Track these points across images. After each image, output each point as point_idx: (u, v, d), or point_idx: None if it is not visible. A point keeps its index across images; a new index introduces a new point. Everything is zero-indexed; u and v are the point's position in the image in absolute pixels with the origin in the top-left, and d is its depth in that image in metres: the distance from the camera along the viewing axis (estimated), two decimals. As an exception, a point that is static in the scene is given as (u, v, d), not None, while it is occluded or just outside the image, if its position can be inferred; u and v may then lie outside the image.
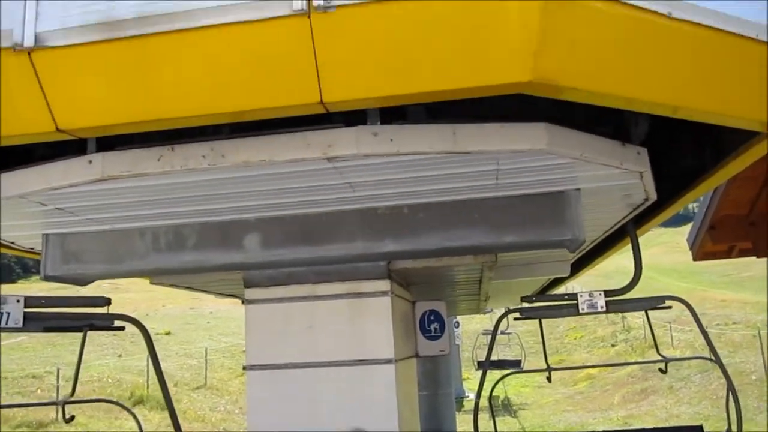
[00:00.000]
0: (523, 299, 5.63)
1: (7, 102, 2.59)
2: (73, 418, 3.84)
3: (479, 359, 19.60)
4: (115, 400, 3.92)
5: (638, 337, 27.10)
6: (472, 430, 6.34)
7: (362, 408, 4.12)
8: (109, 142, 2.98)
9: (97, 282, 4.41)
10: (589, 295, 5.02)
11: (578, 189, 3.54)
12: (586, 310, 5.01)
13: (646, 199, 3.79)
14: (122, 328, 3.28)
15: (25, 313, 3.30)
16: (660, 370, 6.78)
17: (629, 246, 5.09)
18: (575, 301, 5.02)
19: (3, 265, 69.85)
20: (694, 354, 21.63)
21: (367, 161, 2.87)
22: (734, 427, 5.45)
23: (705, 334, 5.70)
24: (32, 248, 4.64)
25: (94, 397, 17.63)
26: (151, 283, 5.06)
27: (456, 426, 14.20)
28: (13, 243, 4.47)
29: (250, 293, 4.34)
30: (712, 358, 5.63)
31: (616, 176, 3.26)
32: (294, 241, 3.80)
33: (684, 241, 8.67)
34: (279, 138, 2.79)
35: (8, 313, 2.99)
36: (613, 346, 28.27)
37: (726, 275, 40.22)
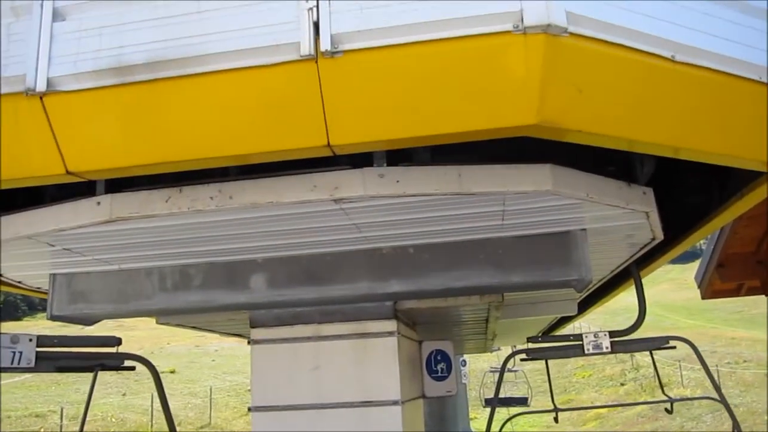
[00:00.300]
0: (529, 340, 5.67)
1: (19, 144, 2.63)
2: None
3: (486, 397, 19.59)
4: None
5: (647, 376, 26.75)
6: None
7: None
8: (117, 184, 3.02)
9: (103, 321, 4.40)
10: (594, 336, 5.07)
11: (584, 229, 3.54)
12: (591, 351, 5.05)
13: (653, 239, 3.78)
14: (133, 368, 3.26)
15: (37, 352, 3.27)
16: (666, 410, 6.80)
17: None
18: (580, 342, 5.07)
19: (8, 303, 69.81)
20: (703, 393, 21.33)
21: (373, 202, 2.88)
22: None
23: (709, 373, 5.71)
24: (39, 288, 4.65)
25: (97, 436, 17.47)
26: (158, 322, 5.05)
27: (463, 467, 13.98)
28: (20, 282, 4.49)
29: (256, 333, 4.32)
30: (719, 398, 5.60)
31: (622, 216, 3.27)
32: (300, 281, 3.80)
33: (692, 278, 8.63)
34: (286, 180, 2.81)
35: (20, 353, 2.97)
36: (622, 385, 27.90)
37: (736, 312, 39.81)
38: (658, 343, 5.39)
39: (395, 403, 4.06)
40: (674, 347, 5.42)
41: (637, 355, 29.42)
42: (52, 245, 3.47)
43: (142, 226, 3.16)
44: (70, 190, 3.15)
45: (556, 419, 6.59)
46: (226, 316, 4.82)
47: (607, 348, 5.06)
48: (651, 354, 5.98)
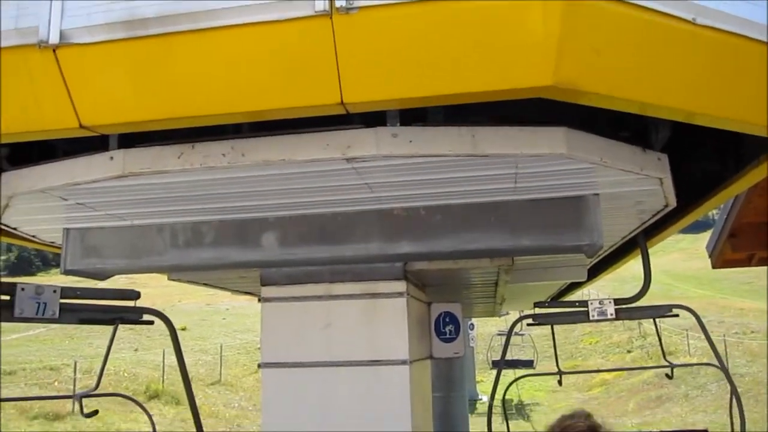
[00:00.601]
0: (536, 305, 5.74)
1: (32, 97, 2.63)
2: (96, 412, 3.85)
3: (494, 359, 19.90)
4: (129, 395, 3.93)
5: (654, 344, 26.85)
6: (486, 429, 6.41)
7: (376, 408, 4.13)
8: (130, 140, 3.02)
9: (115, 277, 4.45)
10: (600, 303, 5.17)
11: (597, 194, 3.52)
12: (596, 318, 5.15)
13: (666, 206, 3.76)
14: (151, 323, 3.29)
15: (60, 304, 3.28)
16: (667, 375, 7.08)
17: None
18: (586, 308, 5.16)
19: (23, 258, 70.73)
20: (711, 361, 21.41)
21: (385, 162, 2.87)
22: None
23: (710, 341, 5.90)
24: (53, 242, 4.69)
25: (110, 391, 17.81)
26: (169, 279, 5.10)
27: (469, 428, 14.16)
28: (34, 236, 4.53)
29: (267, 291, 4.36)
30: (719, 365, 5.85)
31: (636, 182, 3.24)
32: (311, 241, 3.81)
33: (704, 248, 8.59)
34: (299, 138, 2.80)
35: (45, 304, 2.98)
36: (628, 352, 28.05)
37: (746, 283, 39.71)
38: (662, 311, 5.53)
39: (404, 362, 4.10)
40: (677, 315, 5.56)
41: (645, 324, 29.52)
42: (66, 199, 3.50)
43: (154, 182, 3.17)
44: (83, 146, 3.16)
45: (560, 382, 6.70)
46: (237, 273, 4.86)
47: (611, 315, 5.16)
48: (655, 322, 6.10)
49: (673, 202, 3.60)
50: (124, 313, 3.26)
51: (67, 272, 4.31)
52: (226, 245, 3.93)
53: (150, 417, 4.33)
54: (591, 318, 5.22)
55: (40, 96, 2.62)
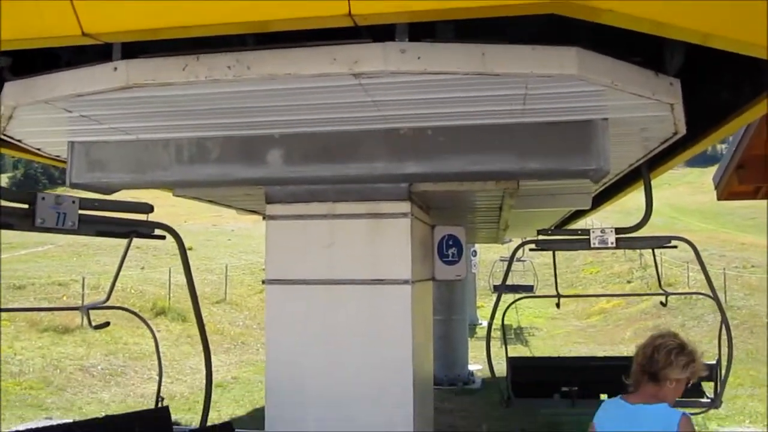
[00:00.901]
0: (539, 232, 5.85)
1: (34, 5, 2.56)
2: (107, 324, 3.87)
3: (495, 283, 20.42)
4: (133, 309, 3.98)
5: (654, 275, 27.11)
6: (485, 352, 6.62)
7: (378, 326, 4.22)
8: (133, 52, 2.96)
9: (121, 196, 4.46)
10: (601, 232, 5.45)
11: (606, 119, 3.48)
12: (597, 245, 5.43)
13: (675, 134, 3.71)
14: (163, 237, 3.27)
15: (79, 215, 3.24)
16: (661, 303, 7.81)
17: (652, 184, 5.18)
18: (587, 237, 5.39)
19: (29, 176, 70.97)
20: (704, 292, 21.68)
21: (393, 79, 2.83)
22: (724, 360, 6.11)
23: (705, 272, 6.20)
24: (58, 156, 4.69)
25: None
26: (174, 195, 5.12)
27: (468, 350, 14.50)
28: (39, 150, 4.53)
29: (271, 209, 4.38)
30: (711, 295, 6.21)
31: (646, 107, 3.19)
32: (316, 159, 3.80)
33: (710, 182, 8.56)
34: (305, 51, 2.75)
35: (65, 214, 2.92)
36: (628, 282, 28.38)
37: (750, 218, 39.74)
38: (662, 242, 5.82)
39: (406, 282, 4.16)
40: (675, 246, 5.84)
41: (646, 255, 29.73)
42: (70, 111, 3.47)
43: (158, 95, 3.14)
44: (86, 58, 3.11)
45: (558, 305, 7.14)
46: (242, 190, 4.86)
47: (612, 243, 5.40)
48: (653, 252, 6.64)
49: (682, 130, 3.55)
50: (138, 227, 3.23)
51: (72, 185, 4.32)
52: (231, 162, 3.92)
53: (152, 330, 4.39)
54: (592, 246, 5.40)
55: (42, 3, 2.56)
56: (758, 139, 6.59)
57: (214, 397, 12.26)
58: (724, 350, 6.33)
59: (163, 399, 3.77)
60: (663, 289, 7.26)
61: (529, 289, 20.30)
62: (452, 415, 10.48)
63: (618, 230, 5.50)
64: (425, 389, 5.25)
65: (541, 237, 5.99)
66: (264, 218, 4.49)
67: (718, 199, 7.99)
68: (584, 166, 3.51)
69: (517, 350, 17.75)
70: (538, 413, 9.61)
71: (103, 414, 10.23)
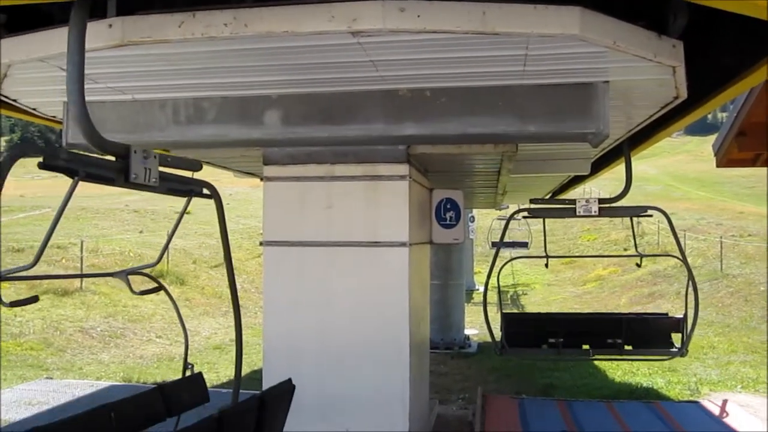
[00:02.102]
0: (532, 201, 6.38)
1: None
2: (157, 289, 3.56)
3: (493, 240, 21.37)
4: (164, 286, 3.77)
5: (651, 243, 27.20)
6: (482, 316, 6.75)
7: (375, 289, 4.24)
8: (129, 10, 2.91)
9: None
10: (586, 201, 6.12)
11: (607, 81, 3.45)
12: (582, 214, 6.09)
13: (676, 98, 3.68)
14: (209, 196, 3.14)
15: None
16: (636, 264, 8.32)
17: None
18: (573, 206, 6.00)
19: (25, 139, 70.51)
20: (703, 261, 21.88)
21: (391, 38, 2.79)
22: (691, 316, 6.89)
23: (676, 237, 7.00)
24: (54, 116, 4.65)
25: (116, 269, 18.25)
26: (171, 156, 5.09)
27: (464, 314, 14.58)
28: (35, 109, 4.49)
29: (269, 171, 4.36)
30: (681, 258, 6.96)
31: (648, 70, 3.16)
32: (314, 120, 3.77)
33: (709, 151, 8.54)
34: (303, 9, 2.70)
35: (150, 170, 2.74)
36: (625, 250, 28.43)
37: (748, 187, 39.67)
38: (639, 211, 6.55)
39: (403, 244, 4.17)
40: (651, 215, 6.57)
41: (644, 222, 29.78)
42: (64, 69, 3.42)
43: (154, 53, 3.10)
44: None
45: (546, 265, 8.15)
46: (239, 152, 4.85)
47: (595, 212, 6.10)
48: (631, 220, 7.45)
49: (683, 93, 3.53)
50: (193, 185, 3.09)
51: (68, 146, 4.29)
52: (228, 122, 3.89)
53: (174, 302, 4.10)
54: (577, 214, 6.05)
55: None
56: (759, 106, 6.55)
57: (212, 359, 12.41)
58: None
59: (192, 366, 3.70)
60: (638, 252, 7.97)
61: (524, 245, 20.96)
62: (448, 378, 10.58)
63: (601, 200, 6.15)
64: (421, 351, 5.30)
65: (532, 205, 6.42)
66: (262, 180, 4.48)
67: (717, 166, 7.97)
68: (584, 129, 3.49)
69: (514, 314, 17.88)
70: (533, 364, 10.33)
71: (104, 381, 10.35)
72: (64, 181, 2.27)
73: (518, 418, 7.73)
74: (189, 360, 3.70)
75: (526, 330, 7.41)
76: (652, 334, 7.48)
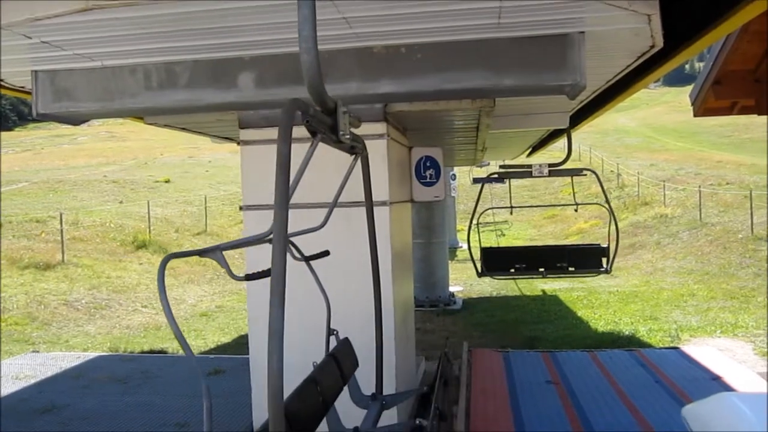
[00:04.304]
0: (501, 167, 8.56)
1: None
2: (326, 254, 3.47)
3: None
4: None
5: (631, 195, 27.47)
6: (465, 274, 6.81)
7: (357, 249, 4.23)
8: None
9: (95, 130, 4.37)
10: (539, 166, 8.96)
11: (582, 32, 3.42)
12: (536, 175, 9.02)
13: (652, 47, 3.66)
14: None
15: None
16: (575, 209, 13.51)
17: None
18: (530, 169, 9.06)
19: (-1, 112, 69.10)
20: (683, 211, 22.16)
21: (364, -7, 2.74)
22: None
23: (603, 189, 10.44)
24: (23, 87, 4.55)
25: (97, 241, 18.12)
26: (146, 122, 5.02)
27: (449, 272, 14.68)
28: (2, 81, 4.38)
29: (245, 134, 4.31)
30: (607, 206, 10.07)
31: (622, 18, 3.13)
32: (288, 80, 3.71)
33: (687, 101, 8.56)
34: (272, -35, 2.64)
35: (346, 125, 2.52)
36: (606, 202, 28.79)
37: (725, 136, 39.97)
38: (577, 172, 9.86)
39: (384, 203, 4.16)
40: (585, 175, 9.98)
41: (624, 175, 30.06)
42: (29, 37, 3.34)
43: (122, 16, 3.02)
44: None
45: (511, 212, 12.48)
46: (214, 116, 4.77)
47: (546, 173, 8.99)
48: (571, 178, 10.38)
49: (659, 42, 3.51)
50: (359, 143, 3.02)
51: (39, 116, 4.21)
52: (201, 86, 3.82)
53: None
54: (533, 175, 8.98)
55: None
56: (735, 54, 6.56)
57: (198, 326, 12.43)
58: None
59: (336, 332, 3.71)
60: (575, 201, 11.24)
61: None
62: (434, 335, 10.70)
63: (550, 165, 8.99)
64: (406, 309, 5.34)
65: (500, 169, 10.37)
66: (239, 144, 4.43)
67: (695, 115, 8.00)
68: (560, 82, 3.48)
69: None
70: (517, 318, 10.68)
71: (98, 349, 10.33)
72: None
73: (504, 370, 7.88)
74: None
75: (499, 259, 10.51)
76: (588, 258, 10.58)
